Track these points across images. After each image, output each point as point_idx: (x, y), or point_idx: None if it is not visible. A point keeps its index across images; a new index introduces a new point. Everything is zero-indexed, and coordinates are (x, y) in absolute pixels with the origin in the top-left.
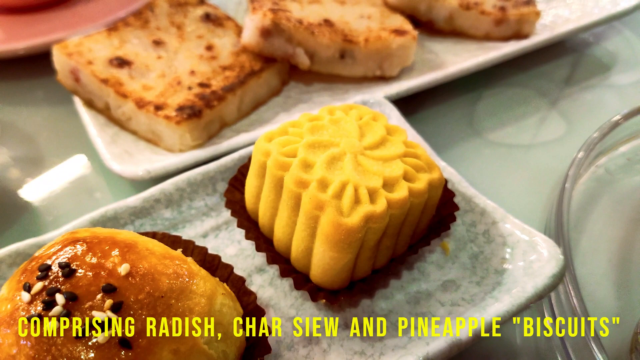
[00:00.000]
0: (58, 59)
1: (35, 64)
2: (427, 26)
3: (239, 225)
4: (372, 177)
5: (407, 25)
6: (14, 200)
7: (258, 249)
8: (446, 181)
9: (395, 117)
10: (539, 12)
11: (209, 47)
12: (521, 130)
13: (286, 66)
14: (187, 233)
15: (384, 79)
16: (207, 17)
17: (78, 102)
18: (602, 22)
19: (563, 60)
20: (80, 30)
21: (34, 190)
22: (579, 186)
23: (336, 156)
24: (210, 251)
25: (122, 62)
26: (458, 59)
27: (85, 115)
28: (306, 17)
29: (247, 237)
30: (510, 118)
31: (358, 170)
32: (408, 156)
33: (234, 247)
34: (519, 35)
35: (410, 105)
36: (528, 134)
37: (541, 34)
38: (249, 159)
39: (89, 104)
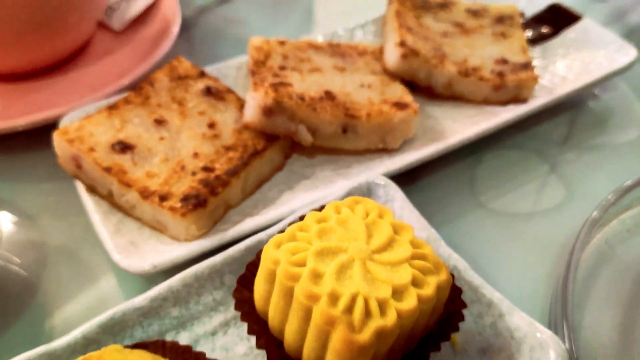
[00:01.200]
0: (59, 144)
1: (34, 136)
2: (426, 91)
3: (249, 332)
4: (381, 285)
5: (408, 97)
6: (16, 291)
7: (270, 358)
8: (453, 277)
9: (399, 198)
10: (536, 77)
11: (211, 125)
12: (521, 197)
13: (289, 142)
14: (195, 331)
15: (386, 150)
16: (208, 91)
17: (80, 186)
18: (599, 82)
19: (561, 118)
20: (80, 103)
21: (36, 280)
22: (580, 262)
23: (345, 264)
24: (219, 349)
25: (124, 147)
26: (458, 125)
27: (89, 202)
28: (307, 91)
29: (258, 346)
30: (510, 184)
31: (367, 279)
32: (415, 258)
33: (243, 346)
34: (517, 100)
35: (410, 173)
36: (528, 201)
37: (539, 97)
38: (257, 254)
39: (92, 189)
